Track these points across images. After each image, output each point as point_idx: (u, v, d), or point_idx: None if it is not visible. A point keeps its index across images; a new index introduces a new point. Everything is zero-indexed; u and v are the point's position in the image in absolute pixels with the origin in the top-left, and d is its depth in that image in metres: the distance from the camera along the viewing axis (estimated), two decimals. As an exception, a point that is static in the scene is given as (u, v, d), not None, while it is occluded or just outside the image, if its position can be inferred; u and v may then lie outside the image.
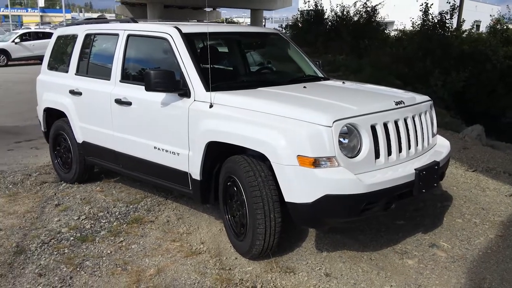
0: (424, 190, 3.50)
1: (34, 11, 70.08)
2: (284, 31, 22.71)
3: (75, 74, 5.06)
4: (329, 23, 21.06)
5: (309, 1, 21.55)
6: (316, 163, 3.12)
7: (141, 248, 3.82)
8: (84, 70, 5.00)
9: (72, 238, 3.99)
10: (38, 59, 21.47)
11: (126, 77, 4.50)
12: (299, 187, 3.18)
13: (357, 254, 3.66)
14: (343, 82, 4.62)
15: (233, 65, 5.03)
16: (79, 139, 5.04)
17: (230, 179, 3.63)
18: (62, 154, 5.44)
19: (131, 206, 4.64)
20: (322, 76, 4.82)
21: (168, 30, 4.16)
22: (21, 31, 24.18)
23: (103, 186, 5.29)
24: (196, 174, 3.84)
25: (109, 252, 3.75)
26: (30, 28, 29.00)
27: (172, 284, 3.30)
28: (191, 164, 3.86)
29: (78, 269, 3.50)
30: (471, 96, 14.87)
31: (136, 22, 4.71)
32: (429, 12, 15.78)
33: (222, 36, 4.92)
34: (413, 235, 3.99)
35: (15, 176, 5.68)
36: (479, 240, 3.92)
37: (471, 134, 7.95)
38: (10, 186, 5.35)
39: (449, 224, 4.22)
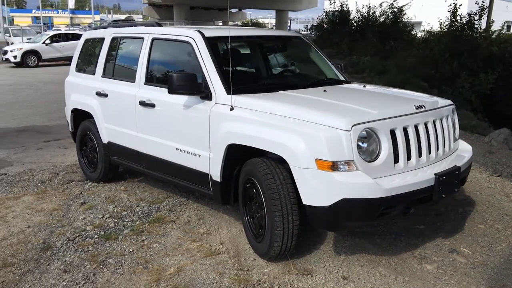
0: (444, 195, 3.48)
1: (64, 13, 71.87)
2: (309, 32, 22.59)
3: (102, 76, 5.21)
4: (355, 24, 20.91)
5: (334, 2, 21.44)
6: (334, 166, 3.14)
7: (162, 247, 3.91)
8: (110, 72, 5.14)
9: (96, 236, 4.12)
10: (68, 60, 22.03)
11: (150, 80, 4.60)
12: (317, 190, 3.21)
13: (376, 258, 3.66)
14: (364, 86, 4.61)
15: (254, 68, 5.08)
16: (105, 139, 5.18)
17: (250, 181, 3.68)
18: (88, 154, 5.60)
19: (153, 206, 4.74)
20: (344, 79, 4.82)
21: (191, 34, 4.24)
22: (51, 33, 24.82)
23: (127, 185, 5.42)
24: (216, 175, 3.90)
25: (131, 250, 3.86)
26: (60, 30, 29.71)
27: (191, 283, 3.37)
28: (212, 165, 3.92)
29: (101, 266, 3.61)
30: (499, 98, 14.56)
31: (160, 25, 4.81)
32: (458, 13, 15.50)
33: (244, 40, 4.97)
34: (433, 240, 3.97)
35: (43, 174, 5.87)
36: (501, 247, 3.86)
37: (498, 138, 7.79)
38: (39, 184, 5.54)
39: (471, 229, 4.17)
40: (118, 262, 3.66)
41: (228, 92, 3.80)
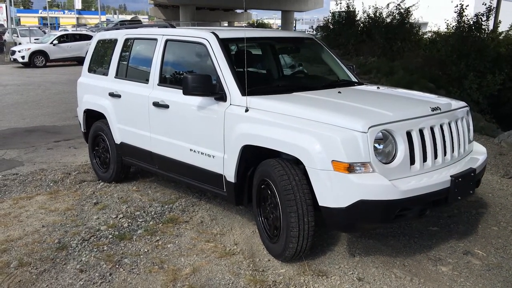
0: (459, 198, 3.48)
1: (71, 13, 72.20)
2: (314, 32, 22.54)
3: (115, 77, 5.23)
4: (361, 24, 20.85)
5: (341, 3, 21.40)
6: (350, 168, 3.15)
7: (177, 247, 3.93)
8: (123, 73, 5.17)
9: (110, 236, 4.14)
10: (75, 60, 22.19)
11: (163, 81, 4.63)
12: (333, 191, 3.21)
13: (390, 260, 3.67)
14: (377, 87, 4.62)
15: (268, 69, 5.10)
16: (117, 140, 5.21)
17: (264, 182, 3.69)
18: (101, 154, 5.63)
19: (166, 206, 4.77)
20: (356, 81, 4.83)
21: (205, 35, 4.26)
22: (59, 33, 24.91)
23: (139, 185, 5.44)
24: (230, 176, 3.92)
25: (146, 250, 3.88)
26: (67, 30, 29.81)
27: (207, 283, 3.38)
28: (226, 166, 3.94)
29: (117, 266, 3.63)
30: (507, 100, 14.50)
31: (174, 27, 4.83)
32: (464, 14, 15.45)
33: (257, 41, 4.99)
34: (447, 241, 3.97)
35: (55, 174, 5.91)
36: (515, 249, 3.86)
37: (508, 140, 7.77)
38: (51, 184, 5.57)
39: (484, 231, 4.17)
40: (133, 262, 3.68)
41: (243, 94, 3.82)
